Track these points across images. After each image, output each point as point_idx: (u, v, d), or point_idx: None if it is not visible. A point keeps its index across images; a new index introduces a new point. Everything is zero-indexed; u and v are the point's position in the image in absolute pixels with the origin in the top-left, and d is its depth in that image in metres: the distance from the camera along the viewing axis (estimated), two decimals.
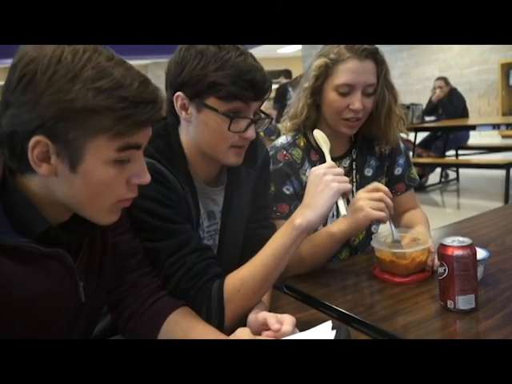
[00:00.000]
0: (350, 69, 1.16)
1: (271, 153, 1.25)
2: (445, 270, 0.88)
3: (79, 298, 0.77)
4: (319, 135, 1.06)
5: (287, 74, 7.65)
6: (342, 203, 0.92)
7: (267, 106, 5.55)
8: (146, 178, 0.71)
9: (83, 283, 0.78)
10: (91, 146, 0.64)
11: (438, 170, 5.65)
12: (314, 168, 0.94)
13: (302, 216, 0.88)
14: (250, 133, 0.92)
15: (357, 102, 1.16)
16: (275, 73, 7.73)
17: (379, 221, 1.08)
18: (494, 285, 1.00)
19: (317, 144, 1.17)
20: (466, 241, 0.88)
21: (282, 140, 1.29)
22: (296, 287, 1.09)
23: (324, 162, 1.00)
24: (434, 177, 5.62)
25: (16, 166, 0.68)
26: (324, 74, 1.20)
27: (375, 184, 1.08)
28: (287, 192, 1.22)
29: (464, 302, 0.88)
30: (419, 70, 9.76)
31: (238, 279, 0.88)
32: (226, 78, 0.85)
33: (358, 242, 1.32)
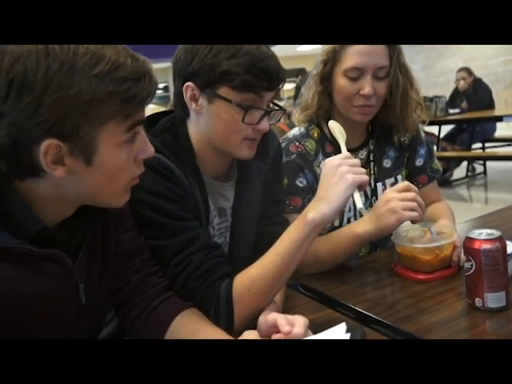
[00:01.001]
0: (359, 51, 1.10)
1: (283, 144, 1.20)
2: (472, 265, 0.81)
3: (79, 300, 0.74)
4: (335, 126, 1.00)
5: (303, 72, 7.54)
6: (357, 196, 0.85)
7: (287, 104, 5.48)
8: (150, 150, 0.70)
9: (84, 285, 0.74)
10: (102, 135, 0.61)
11: (465, 163, 5.48)
12: (328, 159, 0.88)
13: (315, 210, 0.83)
14: (264, 125, 0.87)
15: (367, 86, 1.10)
16: (295, 71, 7.64)
17: (412, 221, 1.01)
18: None
19: (331, 135, 1.11)
20: (495, 233, 0.81)
21: (295, 131, 1.23)
22: (311, 286, 1.04)
23: (339, 153, 0.94)
24: (460, 171, 5.46)
25: (15, 175, 0.64)
26: (332, 58, 1.14)
27: (405, 183, 1.01)
28: (300, 185, 1.16)
29: (493, 299, 0.81)
30: (442, 62, 9.52)
31: (248, 278, 0.83)
32: (240, 66, 0.80)
33: (378, 238, 1.25)
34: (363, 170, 0.86)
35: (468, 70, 5.52)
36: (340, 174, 0.84)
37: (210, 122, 0.88)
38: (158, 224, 0.85)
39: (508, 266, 0.90)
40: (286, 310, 0.94)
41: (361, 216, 1.22)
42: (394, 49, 1.12)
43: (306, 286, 1.05)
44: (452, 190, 5.16)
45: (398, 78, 1.13)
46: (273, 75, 0.83)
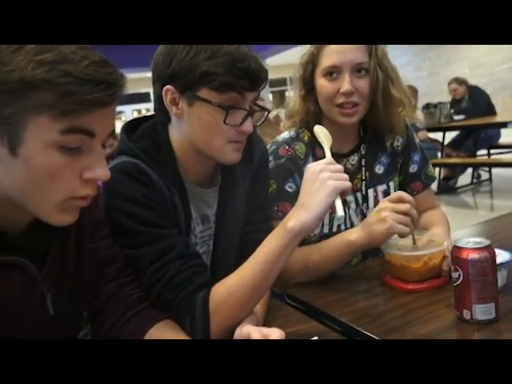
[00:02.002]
0: (333, 50, 1.07)
1: (273, 148, 1.17)
2: (459, 275, 0.78)
3: (47, 310, 0.71)
4: (320, 130, 0.97)
5: None
6: (339, 203, 0.82)
7: None
8: (102, 174, 0.63)
9: (52, 294, 0.72)
10: (32, 125, 0.57)
11: (470, 170, 5.42)
12: (310, 164, 0.85)
13: (296, 218, 0.80)
14: (248, 126, 0.84)
15: (345, 83, 1.06)
16: None
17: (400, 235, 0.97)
18: None
19: None
20: (483, 242, 0.77)
21: (285, 135, 1.20)
22: (298, 296, 1.00)
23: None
24: (465, 178, 5.39)
25: None
26: (311, 61, 1.12)
27: (400, 193, 0.97)
28: (289, 190, 1.13)
29: (482, 311, 0.77)
30: (449, 68, 9.47)
31: (225, 289, 0.80)
32: (219, 66, 0.78)
33: (370, 247, 1.21)
34: (346, 176, 0.82)
35: (458, 80, 5.51)
36: (321, 180, 0.80)
37: (191, 126, 0.85)
38: (133, 232, 0.82)
39: (499, 276, 0.87)
40: (268, 321, 0.90)
41: (351, 225, 1.19)
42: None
43: (293, 296, 1.01)
44: (457, 197, 5.10)
45: (377, 75, 1.09)
46: (254, 75, 0.81)
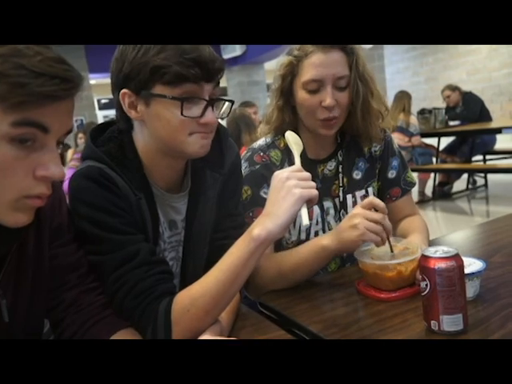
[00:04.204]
0: (315, 63, 1.06)
1: (248, 154, 1.16)
2: (427, 285, 0.76)
3: (2, 318, 0.69)
4: (291, 136, 0.96)
5: None
6: (305, 212, 0.80)
7: None
8: (55, 172, 0.62)
9: (8, 301, 0.70)
10: None
11: (465, 176, 5.41)
12: (276, 172, 0.84)
13: (261, 226, 0.78)
14: (210, 117, 0.82)
15: (328, 97, 1.05)
16: None
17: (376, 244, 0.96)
18: (492, 301, 0.86)
19: None
20: (451, 251, 0.75)
21: (261, 141, 1.19)
22: (270, 304, 0.99)
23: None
24: (460, 184, 5.38)
25: None
26: (290, 72, 1.10)
27: (372, 199, 0.96)
28: (264, 196, 1.12)
29: (450, 322, 0.75)
30: (446, 74, 9.49)
31: (188, 297, 0.78)
32: (169, 59, 0.76)
33: (347, 253, 1.20)
34: (313, 184, 0.81)
35: (451, 87, 5.52)
36: (287, 188, 0.79)
37: (152, 126, 0.84)
38: (97, 238, 0.80)
39: (471, 285, 0.85)
40: (236, 329, 0.89)
41: (329, 229, 1.18)
42: (352, 57, 1.08)
43: (265, 304, 1.00)
44: (452, 203, 5.09)
45: (358, 87, 1.08)
46: (207, 64, 0.79)
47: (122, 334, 0.77)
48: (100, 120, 8.98)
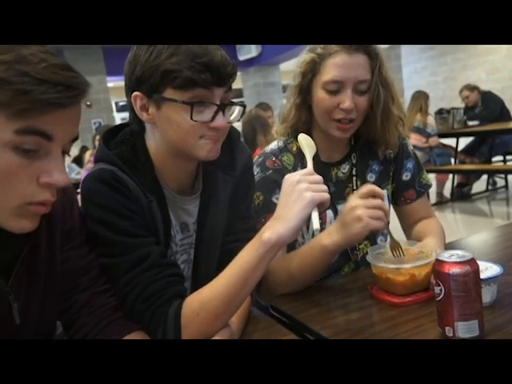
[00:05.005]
0: (338, 64, 1.04)
1: (260, 159, 1.15)
2: (441, 290, 0.74)
3: (13, 320, 0.70)
4: (303, 139, 0.94)
5: None
6: (316, 216, 0.79)
7: None
8: (59, 179, 0.62)
9: (19, 304, 0.71)
10: None
11: (484, 177, 5.31)
12: (287, 175, 0.83)
13: (272, 230, 0.77)
14: (220, 121, 0.82)
15: (347, 100, 1.04)
16: None
17: (377, 230, 0.95)
18: (510, 307, 0.84)
19: None
20: (467, 255, 0.73)
21: (273, 146, 1.18)
22: (281, 308, 0.98)
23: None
24: (480, 185, 5.28)
25: None
26: (311, 70, 1.08)
27: (369, 187, 0.93)
28: (276, 201, 1.09)
29: (465, 328, 0.73)
30: (465, 74, 9.33)
31: (198, 300, 0.78)
32: (180, 63, 0.76)
33: (361, 256, 1.18)
34: (324, 187, 0.80)
35: (469, 87, 5.43)
36: (298, 191, 0.78)
37: (163, 129, 0.84)
38: (108, 241, 0.81)
39: (487, 291, 0.83)
40: (248, 332, 0.88)
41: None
42: (376, 61, 1.07)
43: (276, 307, 0.99)
44: (472, 205, 5.00)
45: (379, 93, 1.07)
46: (218, 69, 0.78)
47: (133, 337, 0.77)
48: (117, 122, 9.06)
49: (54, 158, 0.62)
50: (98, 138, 5.35)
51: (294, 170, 1.15)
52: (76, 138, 0.65)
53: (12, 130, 0.57)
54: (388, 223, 0.93)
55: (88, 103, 7.22)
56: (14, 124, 0.57)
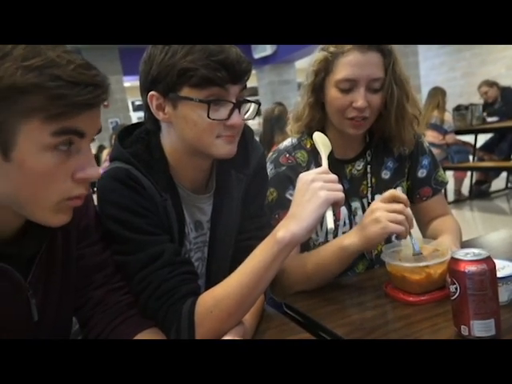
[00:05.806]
0: (351, 62, 1.03)
1: (273, 156, 1.15)
2: (456, 288, 0.73)
3: (31, 316, 0.71)
4: (318, 137, 0.94)
5: None
6: (330, 215, 0.79)
7: None
8: (92, 173, 0.65)
9: (38, 300, 0.72)
10: (24, 129, 0.58)
11: (504, 174, 5.21)
12: (302, 174, 0.83)
13: (286, 228, 0.77)
14: (236, 119, 0.82)
15: (360, 98, 1.03)
16: None
17: (398, 236, 0.95)
18: None
19: None
20: (483, 254, 0.72)
21: (287, 142, 1.18)
22: (295, 306, 0.97)
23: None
24: (499, 182, 5.19)
25: None
26: (324, 69, 1.08)
27: (392, 192, 0.93)
28: (290, 198, 1.10)
29: (481, 327, 0.72)
30: (484, 69, 9.16)
31: (212, 298, 0.78)
32: (196, 62, 0.77)
33: (375, 254, 1.18)
34: (339, 186, 0.79)
35: (488, 82, 5.35)
36: (312, 190, 0.78)
37: (180, 128, 0.84)
38: (123, 238, 0.82)
39: (503, 289, 0.82)
40: (261, 330, 0.88)
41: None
42: (389, 59, 1.05)
43: (290, 305, 0.99)
44: (490, 202, 4.92)
45: (393, 91, 1.06)
46: (234, 66, 0.78)
47: (147, 334, 0.78)
48: (134, 121, 9.13)
49: (85, 153, 0.64)
50: (114, 137, 5.42)
51: (308, 166, 1.14)
52: (100, 130, 0.67)
53: (48, 133, 0.59)
54: (410, 232, 0.91)
55: (105, 103, 7.31)
56: (50, 126, 0.59)
